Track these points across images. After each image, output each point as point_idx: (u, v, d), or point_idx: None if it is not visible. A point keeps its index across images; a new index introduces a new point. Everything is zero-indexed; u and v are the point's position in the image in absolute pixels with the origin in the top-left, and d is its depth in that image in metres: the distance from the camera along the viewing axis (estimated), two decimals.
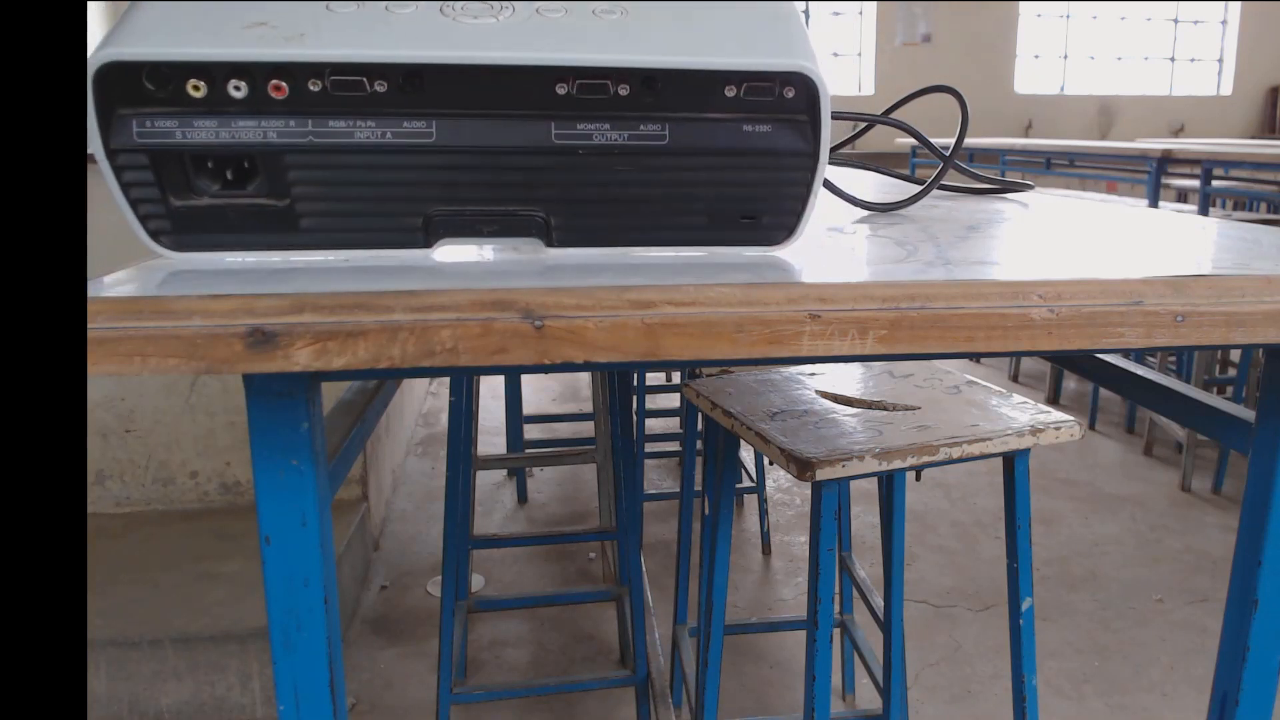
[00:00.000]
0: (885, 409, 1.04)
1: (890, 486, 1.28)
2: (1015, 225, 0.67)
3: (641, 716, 1.58)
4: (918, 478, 2.68)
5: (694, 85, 0.45)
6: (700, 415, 1.16)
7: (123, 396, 2.05)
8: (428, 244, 0.47)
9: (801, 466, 0.89)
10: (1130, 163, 3.62)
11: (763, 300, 0.41)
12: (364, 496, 2.20)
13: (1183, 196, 4.26)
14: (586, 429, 3.10)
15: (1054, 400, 3.54)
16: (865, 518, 2.46)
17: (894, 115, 0.80)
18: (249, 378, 0.47)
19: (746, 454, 2.53)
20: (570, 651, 1.88)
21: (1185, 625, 1.96)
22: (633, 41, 0.45)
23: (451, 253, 0.49)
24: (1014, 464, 1.04)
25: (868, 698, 1.73)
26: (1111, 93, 8.77)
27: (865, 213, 0.72)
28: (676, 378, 3.40)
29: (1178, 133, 8.79)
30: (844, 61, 8.26)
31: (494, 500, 2.63)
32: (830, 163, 0.91)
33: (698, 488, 2.12)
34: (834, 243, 0.57)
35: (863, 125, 0.79)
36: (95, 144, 0.43)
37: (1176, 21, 8.91)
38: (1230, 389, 3.11)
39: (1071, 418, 1.00)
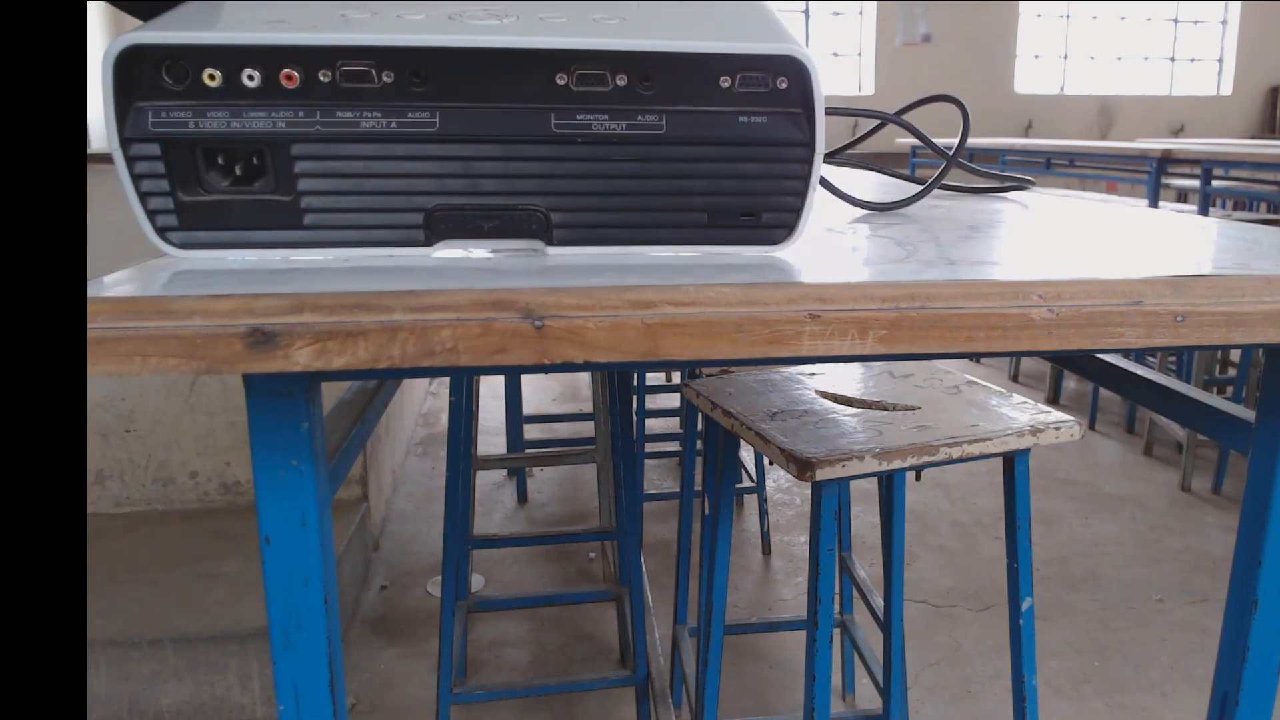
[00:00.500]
0: (885, 409, 1.04)
1: (890, 486, 1.28)
2: (1015, 225, 0.67)
3: (641, 716, 1.58)
4: (918, 478, 2.68)
5: (689, 75, 0.46)
6: (700, 415, 1.16)
7: (123, 396, 2.05)
8: (429, 242, 0.48)
9: (801, 466, 0.89)
10: (1130, 163, 3.62)
11: (763, 300, 0.41)
12: (364, 496, 2.20)
13: (1183, 196, 4.26)
14: (586, 429, 3.10)
15: (1054, 400, 3.54)
16: (865, 518, 2.46)
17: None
18: (249, 378, 0.47)
19: (746, 454, 2.53)
20: (570, 651, 1.88)
21: (1185, 625, 1.96)
22: (629, 31, 0.47)
23: (452, 253, 0.50)
24: (1014, 464, 1.04)
25: (868, 698, 1.73)
26: (1111, 93, 8.76)
27: (865, 212, 0.72)
28: (676, 378, 3.40)
29: (1178, 133, 8.79)
30: (844, 61, 8.25)
31: (494, 500, 2.63)
32: (832, 163, 0.92)
33: (698, 488, 2.12)
34: (834, 243, 0.57)
35: (875, 124, 0.80)
36: (110, 133, 0.44)
37: (1176, 21, 8.91)
38: (1230, 389, 3.11)
39: (1071, 418, 1.00)
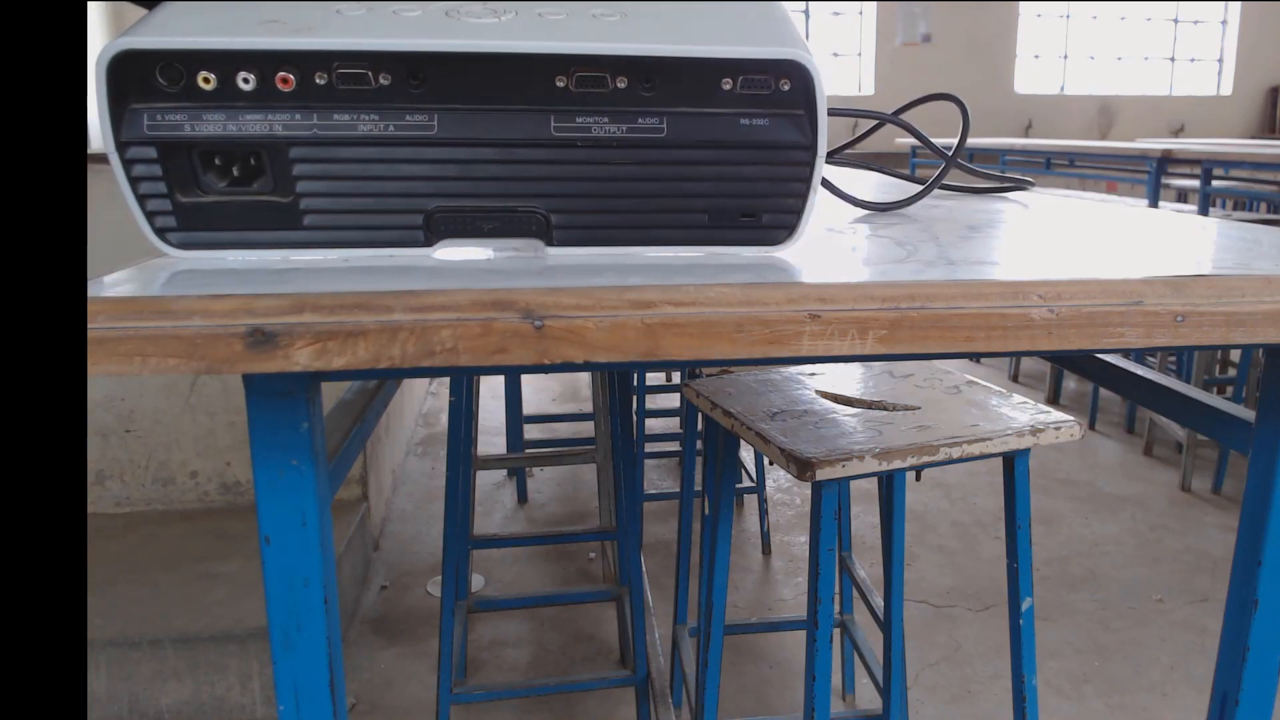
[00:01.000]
0: (885, 409, 1.04)
1: (890, 486, 1.28)
2: (1015, 225, 0.67)
3: (641, 716, 1.58)
4: (918, 478, 2.68)
5: (690, 77, 0.46)
6: (700, 415, 1.16)
7: (123, 396, 2.05)
8: (428, 243, 0.48)
9: (801, 466, 0.89)
10: (1130, 163, 3.62)
11: (763, 300, 0.41)
12: (364, 496, 2.20)
13: (1183, 196, 4.26)
14: (586, 429, 3.10)
15: (1054, 400, 3.54)
16: (865, 518, 2.46)
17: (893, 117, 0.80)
18: (249, 378, 0.47)
19: (746, 454, 2.53)
20: (570, 651, 1.88)
21: (1185, 625, 1.96)
22: (629, 33, 0.46)
23: (452, 253, 0.50)
24: (1014, 464, 1.04)
25: (868, 698, 1.73)
26: (1111, 93, 8.77)
27: (865, 212, 0.72)
28: (676, 378, 3.40)
29: (1178, 133, 8.79)
30: (844, 61, 8.25)
31: (494, 500, 2.63)
32: (832, 163, 0.92)
33: (698, 488, 2.12)
34: (834, 242, 0.57)
35: (873, 124, 0.79)
36: (106, 137, 0.44)
37: (1176, 21, 8.91)
38: (1230, 389, 3.11)
39: (1071, 418, 1.00)
